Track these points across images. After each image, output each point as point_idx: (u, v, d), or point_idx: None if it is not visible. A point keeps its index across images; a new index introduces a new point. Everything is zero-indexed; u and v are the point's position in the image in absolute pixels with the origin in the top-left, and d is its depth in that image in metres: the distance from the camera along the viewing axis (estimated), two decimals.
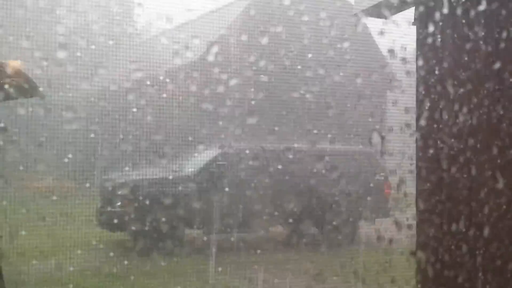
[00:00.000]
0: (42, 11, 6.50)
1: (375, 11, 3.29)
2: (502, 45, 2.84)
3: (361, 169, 8.86)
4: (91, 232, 7.34)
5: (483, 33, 3.10)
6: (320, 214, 8.52)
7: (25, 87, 3.51)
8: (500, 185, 2.83)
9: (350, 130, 8.88)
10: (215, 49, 8.57)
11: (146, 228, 7.04)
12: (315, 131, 8.43)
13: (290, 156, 8.39)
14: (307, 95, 8.41)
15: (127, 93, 7.08)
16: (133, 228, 7.14)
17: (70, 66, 6.69)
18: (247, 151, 8.24)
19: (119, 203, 7.07)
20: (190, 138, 7.83)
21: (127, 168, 7.40)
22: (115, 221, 6.98)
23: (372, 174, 8.84)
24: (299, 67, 8.64)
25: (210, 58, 7.58)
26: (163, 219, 7.10)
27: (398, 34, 3.51)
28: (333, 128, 8.93)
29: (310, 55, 8.49)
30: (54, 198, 6.89)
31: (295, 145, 8.54)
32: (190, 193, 7.68)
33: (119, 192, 7.04)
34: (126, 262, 6.75)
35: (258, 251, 7.43)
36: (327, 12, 8.77)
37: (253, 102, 7.96)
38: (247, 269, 6.89)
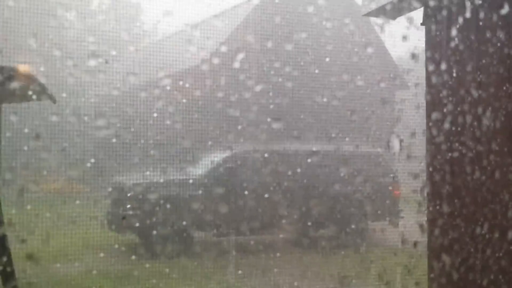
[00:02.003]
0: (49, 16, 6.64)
1: (383, 12, 3.32)
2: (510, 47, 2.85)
3: (370, 171, 8.83)
4: (112, 236, 7.46)
5: (493, 34, 3.10)
6: (330, 215, 8.53)
7: (35, 91, 3.61)
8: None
9: (369, 133, 8.87)
10: (224, 49, 8.64)
11: (157, 231, 7.14)
12: (334, 135, 8.45)
13: (300, 158, 8.42)
14: (325, 99, 8.44)
15: (146, 96, 7.20)
16: (145, 230, 7.23)
17: (101, 74, 6.86)
18: (257, 153, 8.28)
19: (129, 206, 7.17)
20: (210, 143, 7.93)
21: (147, 173, 7.51)
22: (124, 223, 7.09)
23: (381, 176, 8.80)
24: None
25: (236, 65, 7.65)
26: (173, 221, 7.19)
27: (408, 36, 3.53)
28: (354, 131, 8.93)
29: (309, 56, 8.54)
30: (77, 202, 7.03)
31: (304, 147, 8.56)
32: (200, 195, 7.76)
33: (129, 195, 7.14)
34: (147, 265, 6.85)
35: (271, 253, 7.48)
36: (334, 13, 8.80)
37: (271, 106, 8.02)
38: (260, 270, 6.95)
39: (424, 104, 3.33)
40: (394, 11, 3.43)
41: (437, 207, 3.26)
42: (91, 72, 6.88)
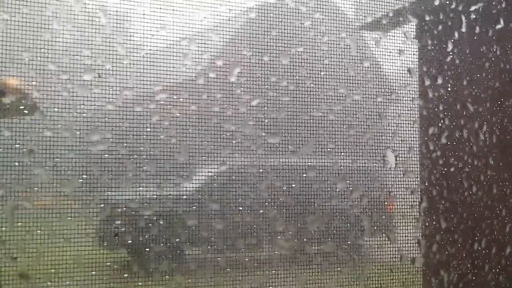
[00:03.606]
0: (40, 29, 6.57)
1: (375, 26, 3.29)
2: (503, 60, 2.82)
3: (366, 186, 8.74)
4: (105, 253, 7.34)
5: (485, 48, 3.06)
6: (322, 230, 8.43)
7: (24, 105, 3.53)
8: (506, 200, 2.78)
9: (365, 148, 8.81)
10: (220, 63, 8.61)
11: (150, 248, 7.04)
12: (329, 149, 8.39)
13: (291, 172, 8.32)
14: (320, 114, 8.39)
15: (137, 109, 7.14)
16: (135, 247, 7.14)
17: (97, 88, 6.79)
18: (253, 168, 8.19)
19: (118, 222, 7.09)
20: (204, 157, 7.83)
21: (141, 189, 7.42)
22: (115, 240, 7.00)
23: (374, 190, 8.71)
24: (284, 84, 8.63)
25: (233, 79, 7.61)
26: (166, 238, 7.10)
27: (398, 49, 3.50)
28: (350, 146, 8.86)
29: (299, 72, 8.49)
30: (69, 218, 6.94)
31: (300, 162, 8.46)
32: (192, 210, 7.66)
33: (122, 211, 7.07)
34: (140, 284, 6.75)
35: (266, 270, 7.39)
36: (327, 27, 8.80)
37: (266, 121, 7.96)
38: (256, 287, 6.86)
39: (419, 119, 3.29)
40: (385, 25, 3.40)
41: (432, 222, 3.21)
42: (84, 86, 6.83)
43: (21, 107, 3.59)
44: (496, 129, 2.84)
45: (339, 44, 8.81)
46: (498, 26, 3.04)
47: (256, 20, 9.36)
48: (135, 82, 7.51)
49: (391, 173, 8.09)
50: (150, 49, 8.62)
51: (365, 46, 9.78)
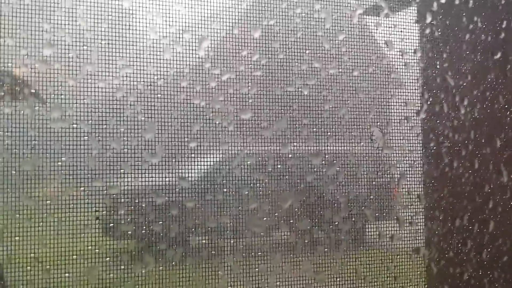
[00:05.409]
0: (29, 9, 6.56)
1: (377, 9, 3.25)
2: (502, 35, 2.77)
3: (367, 169, 8.61)
4: (94, 241, 7.27)
5: (484, 24, 3.02)
6: (325, 215, 8.34)
7: (24, 92, 3.52)
8: (505, 178, 2.75)
9: (348, 126, 8.69)
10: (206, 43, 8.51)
11: (151, 235, 6.99)
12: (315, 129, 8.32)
13: (291, 157, 8.20)
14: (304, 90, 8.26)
15: (118, 92, 7.08)
16: (138, 235, 7.08)
17: (57, 64, 6.66)
18: (250, 154, 8.11)
19: (123, 211, 7.01)
20: (186, 139, 7.75)
21: (122, 170, 7.33)
22: (119, 228, 6.94)
23: (379, 174, 8.59)
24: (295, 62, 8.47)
25: (201, 53, 7.45)
26: (168, 226, 7.05)
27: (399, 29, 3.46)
28: (330, 124, 8.70)
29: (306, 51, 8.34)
30: (71, 208, 6.90)
31: (296, 145, 8.34)
32: (194, 198, 7.59)
33: (123, 199, 6.98)
34: (144, 272, 6.72)
35: (264, 255, 7.36)
36: (328, 11, 8.71)
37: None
38: (258, 273, 6.85)
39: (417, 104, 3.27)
40: (387, 8, 3.37)
41: (435, 211, 3.20)
42: (79, 75, 6.78)
43: (19, 95, 3.58)
44: (500, 114, 2.82)
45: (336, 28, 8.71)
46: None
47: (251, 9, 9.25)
48: (129, 73, 7.41)
49: (394, 157, 8.03)
50: (112, 23, 8.44)
51: (365, 32, 9.65)
